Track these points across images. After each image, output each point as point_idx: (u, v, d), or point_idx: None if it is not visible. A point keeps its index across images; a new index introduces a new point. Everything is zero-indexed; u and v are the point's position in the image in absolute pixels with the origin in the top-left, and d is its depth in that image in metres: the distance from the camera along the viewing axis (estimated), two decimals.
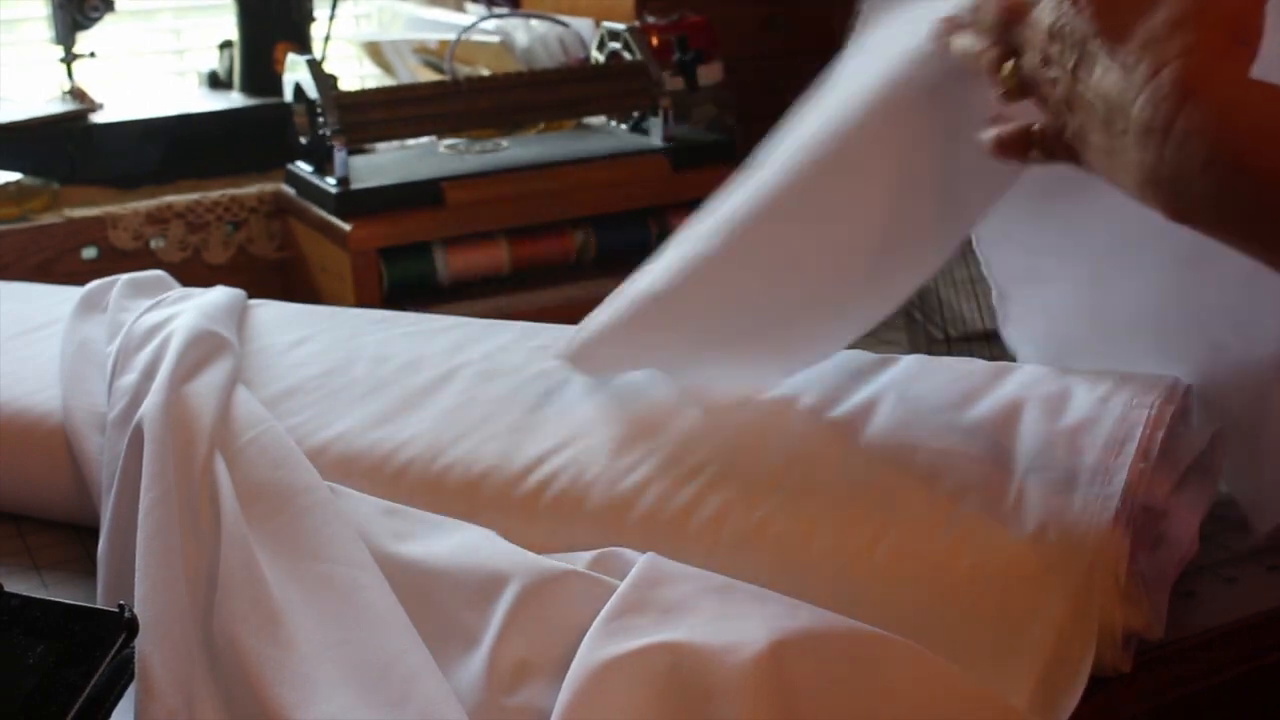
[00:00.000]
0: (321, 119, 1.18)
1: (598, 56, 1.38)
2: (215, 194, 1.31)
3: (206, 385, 0.83)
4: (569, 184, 1.24)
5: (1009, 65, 0.62)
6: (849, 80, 0.77)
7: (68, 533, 0.86)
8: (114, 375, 0.87)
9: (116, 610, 0.63)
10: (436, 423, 0.84)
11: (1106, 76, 0.56)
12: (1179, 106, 0.53)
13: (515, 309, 1.20)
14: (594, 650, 0.63)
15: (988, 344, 1.13)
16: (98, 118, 1.41)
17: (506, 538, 0.73)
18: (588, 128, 1.42)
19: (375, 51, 1.66)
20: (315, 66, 1.20)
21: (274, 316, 1.01)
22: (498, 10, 1.60)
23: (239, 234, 1.31)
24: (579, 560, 0.71)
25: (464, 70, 1.48)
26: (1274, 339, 0.75)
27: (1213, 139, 0.52)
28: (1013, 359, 0.93)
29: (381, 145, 1.33)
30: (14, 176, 1.29)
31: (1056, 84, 0.60)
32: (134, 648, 0.64)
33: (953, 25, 0.68)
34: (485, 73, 1.47)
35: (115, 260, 1.26)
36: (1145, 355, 0.82)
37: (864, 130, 0.74)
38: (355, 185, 1.18)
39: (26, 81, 1.57)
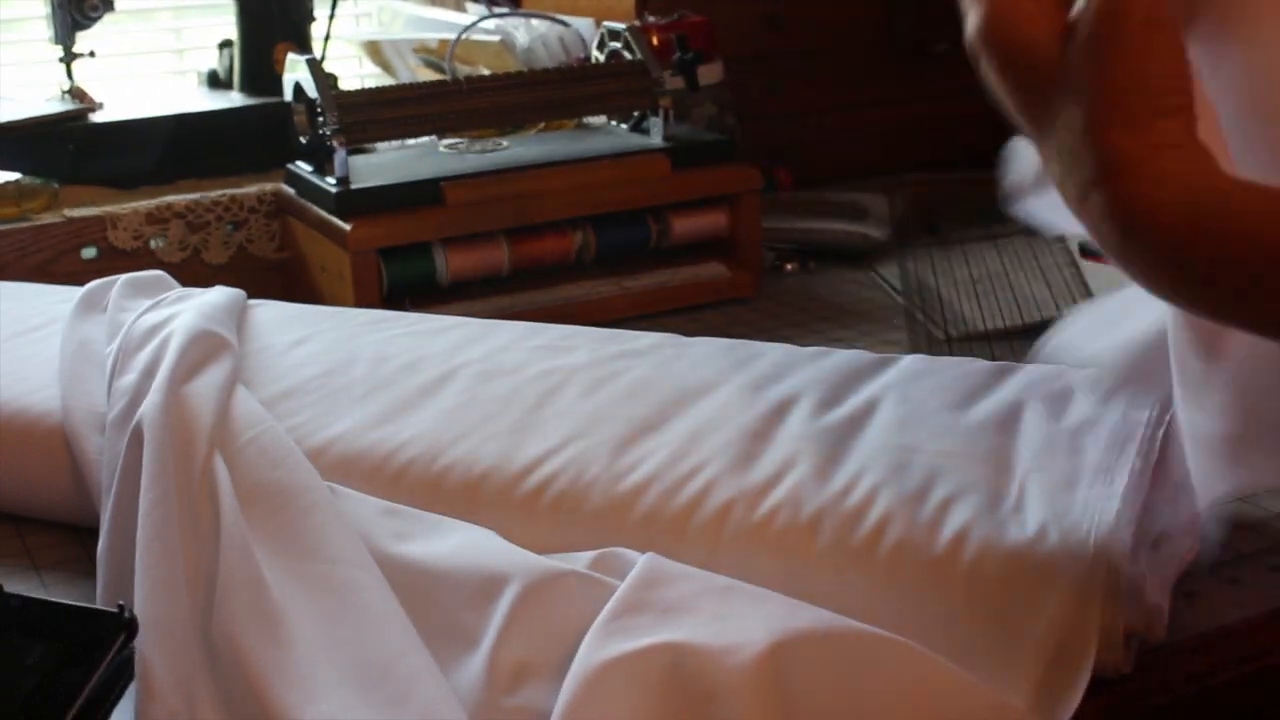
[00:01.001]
0: (321, 119, 1.18)
1: (598, 56, 1.37)
2: (215, 194, 1.31)
3: (206, 385, 0.83)
4: (569, 184, 1.23)
5: None
6: None
7: (68, 533, 0.86)
8: (113, 375, 0.87)
9: (116, 610, 0.63)
10: (436, 423, 0.84)
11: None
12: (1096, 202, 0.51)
13: (515, 309, 1.20)
14: (594, 651, 0.63)
15: (988, 344, 1.13)
16: (97, 117, 1.41)
17: (506, 538, 0.73)
18: (588, 128, 1.42)
19: (375, 51, 1.65)
20: (315, 66, 1.20)
21: (274, 316, 1.01)
22: (498, 10, 1.60)
23: (239, 234, 1.31)
24: (579, 560, 0.71)
25: (464, 70, 1.48)
26: None
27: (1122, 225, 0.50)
28: (1014, 359, 0.93)
29: (381, 145, 1.33)
30: (13, 176, 1.28)
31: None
32: (134, 648, 0.63)
33: None
34: (485, 72, 1.47)
35: (115, 260, 1.25)
36: None
37: None
38: (355, 185, 1.18)
39: (26, 81, 1.56)
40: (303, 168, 1.25)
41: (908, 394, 0.84)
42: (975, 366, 0.88)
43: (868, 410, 0.83)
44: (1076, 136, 0.51)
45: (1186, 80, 0.51)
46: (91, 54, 1.46)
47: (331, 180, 1.19)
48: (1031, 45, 0.53)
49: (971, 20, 0.55)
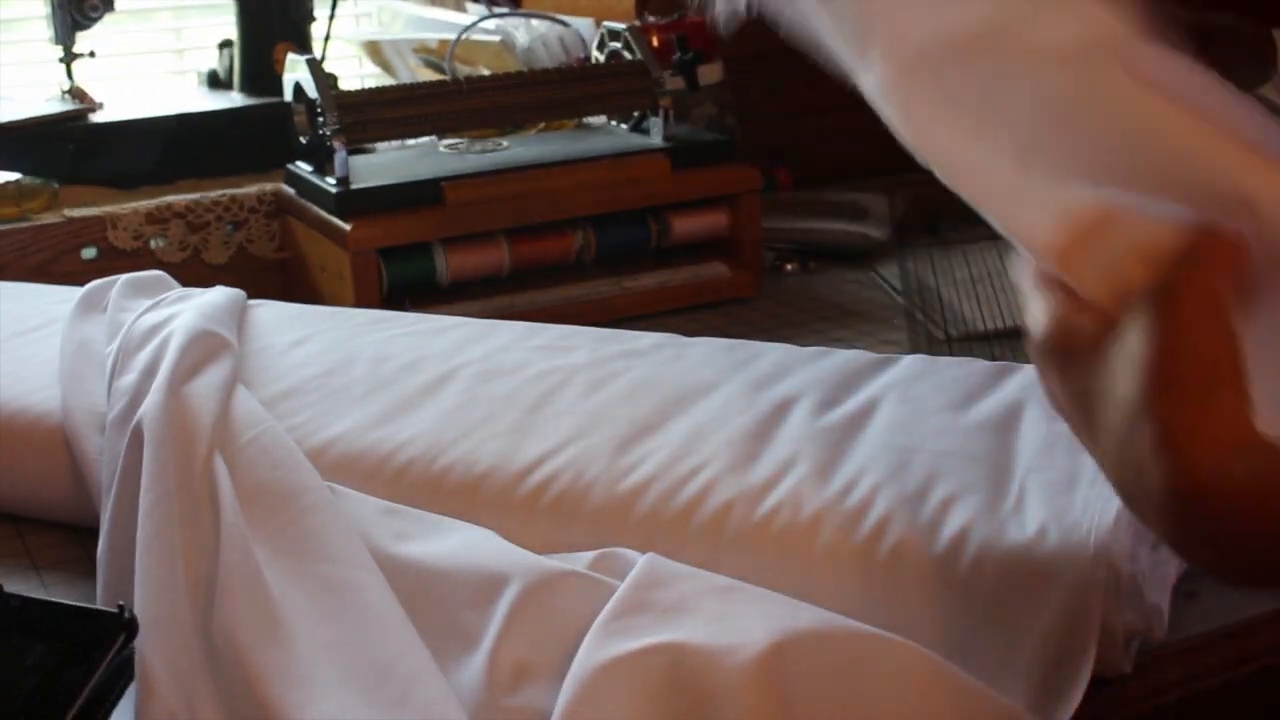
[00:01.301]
0: (321, 119, 1.18)
1: (598, 56, 1.37)
2: (215, 194, 1.31)
3: (206, 386, 0.83)
4: (569, 184, 1.23)
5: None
6: None
7: (68, 533, 0.86)
8: (113, 375, 0.87)
9: (116, 610, 0.63)
10: (436, 423, 0.84)
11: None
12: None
13: (515, 309, 1.20)
14: (594, 651, 0.63)
15: (988, 344, 1.13)
16: (97, 117, 1.41)
17: (506, 538, 0.73)
18: (588, 128, 1.42)
19: (375, 51, 1.65)
20: (315, 66, 1.20)
21: (274, 316, 1.01)
22: (498, 10, 1.60)
23: (239, 234, 1.31)
24: (579, 560, 0.71)
25: (464, 70, 1.48)
26: None
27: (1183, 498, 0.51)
28: (1014, 359, 0.93)
29: (381, 145, 1.33)
30: (13, 176, 1.29)
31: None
32: (134, 648, 0.64)
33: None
34: (485, 72, 1.47)
35: (115, 260, 1.25)
36: None
37: None
38: (355, 185, 1.18)
39: (26, 81, 1.56)
40: (303, 168, 1.25)
41: (908, 394, 0.84)
42: (975, 366, 0.88)
43: (868, 410, 0.83)
44: (1130, 417, 0.52)
45: (1238, 355, 0.51)
46: (91, 54, 1.46)
47: (331, 180, 1.19)
48: (1091, 345, 0.54)
49: (1036, 327, 0.57)
